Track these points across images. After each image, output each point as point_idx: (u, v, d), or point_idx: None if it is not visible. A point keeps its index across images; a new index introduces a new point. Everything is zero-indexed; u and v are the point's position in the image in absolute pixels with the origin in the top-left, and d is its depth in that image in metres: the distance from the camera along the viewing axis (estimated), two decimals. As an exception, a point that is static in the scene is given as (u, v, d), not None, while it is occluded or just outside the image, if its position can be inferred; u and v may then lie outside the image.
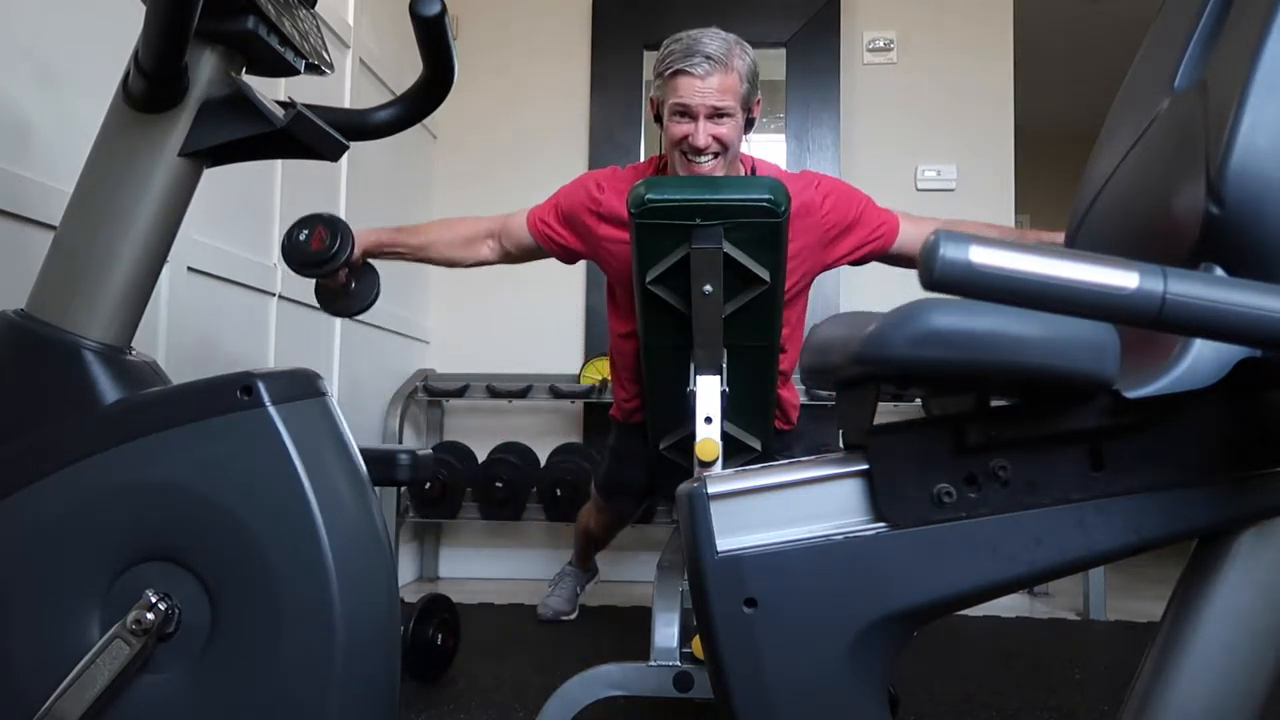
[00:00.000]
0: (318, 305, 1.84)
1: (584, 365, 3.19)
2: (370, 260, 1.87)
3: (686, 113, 1.77)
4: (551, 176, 3.36)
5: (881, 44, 3.33)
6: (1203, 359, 0.76)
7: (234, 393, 0.94)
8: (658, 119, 1.86)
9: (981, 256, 0.56)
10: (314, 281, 1.80)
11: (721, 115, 1.76)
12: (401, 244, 1.97)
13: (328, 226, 1.69)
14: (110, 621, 0.92)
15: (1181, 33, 0.94)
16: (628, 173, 1.95)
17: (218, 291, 2.02)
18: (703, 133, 1.76)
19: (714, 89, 1.74)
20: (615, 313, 2.02)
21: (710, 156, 1.79)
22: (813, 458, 0.86)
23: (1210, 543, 0.81)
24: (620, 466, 2.20)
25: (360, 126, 1.22)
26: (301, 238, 1.69)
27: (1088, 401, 0.78)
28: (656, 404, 1.82)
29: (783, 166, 3.24)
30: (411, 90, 1.20)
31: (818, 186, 1.90)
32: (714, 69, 1.74)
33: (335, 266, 1.71)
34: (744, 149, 1.91)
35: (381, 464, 1.49)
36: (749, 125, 1.85)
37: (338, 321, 2.59)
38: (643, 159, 3.29)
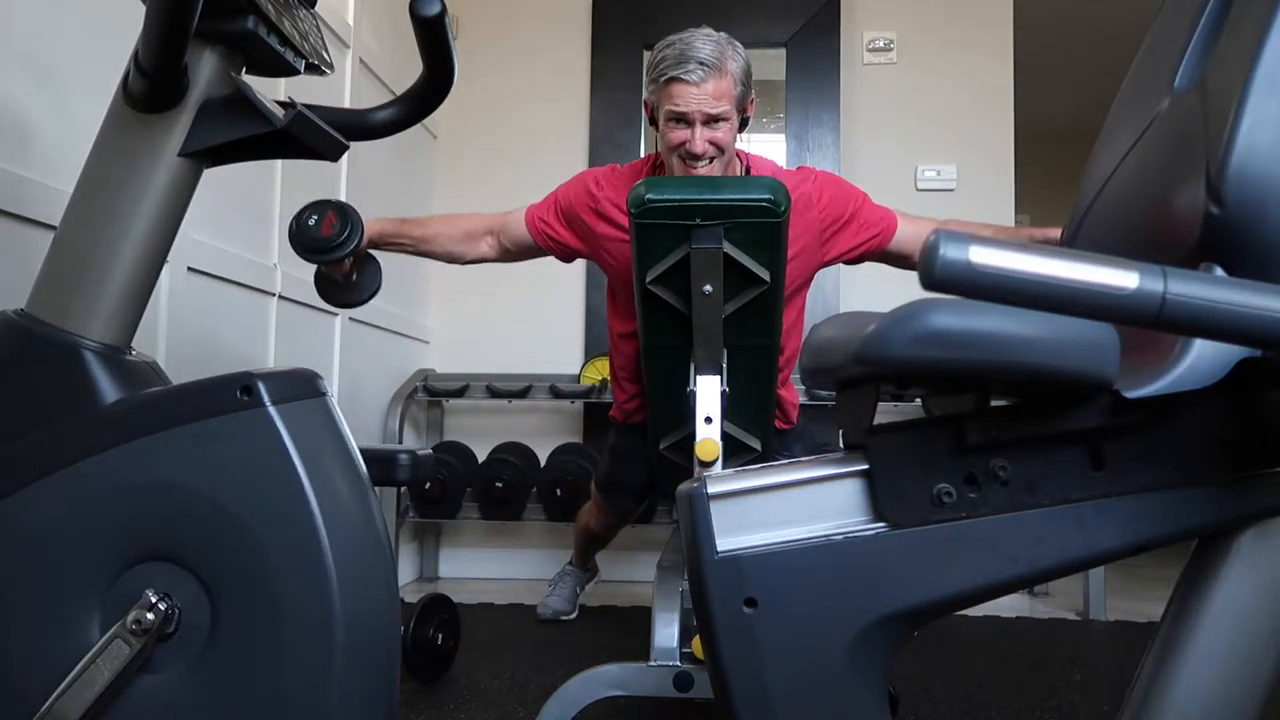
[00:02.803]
0: (318, 294, 1.80)
1: (584, 365, 3.19)
2: (372, 251, 1.84)
3: (682, 119, 1.77)
4: (551, 176, 3.36)
5: (881, 44, 3.33)
6: (1203, 359, 0.76)
7: (234, 393, 0.94)
8: (653, 122, 1.86)
9: (981, 256, 0.56)
10: (314, 270, 1.76)
11: (717, 120, 1.76)
12: (405, 235, 1.97)
13: (338, 212, 1.66)
14: (110, 621, 0.92)
15: (1181, 33, 0.94)
16: (626, 171, 1.95)
17: (218, 291, 2.02)
18: (699, 139, 1.76)
19: (709, 95, 1.74)
20: (615, 313, 2.02)
21: (707, 161, 1.79)
22: (813, 458, 0.86)
23: (1210, 543, 0.81)
24: (620, 466, 2.20)
25: (360, 126, 1.22)
26: (311, 222, 1.65)
27: (1088, 401, 0.78)
28: (656, 404, 1.82)
29: (782, 166, 3.26)
30: (411, 90, 1.20)
31: (814, 181, 1.90)
32: (708, 75, 1.73)
33: (344, 254, 1.66)
34: (740, 144, 1.91)
35: (381, 464, 1.49)
36: (744, 124, 1.85)
37: (337, 321, 2.59)
38: (643, 154, 3.29)
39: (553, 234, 1.96)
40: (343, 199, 2.62)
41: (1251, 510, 0.79)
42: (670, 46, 1.77)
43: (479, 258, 2.04)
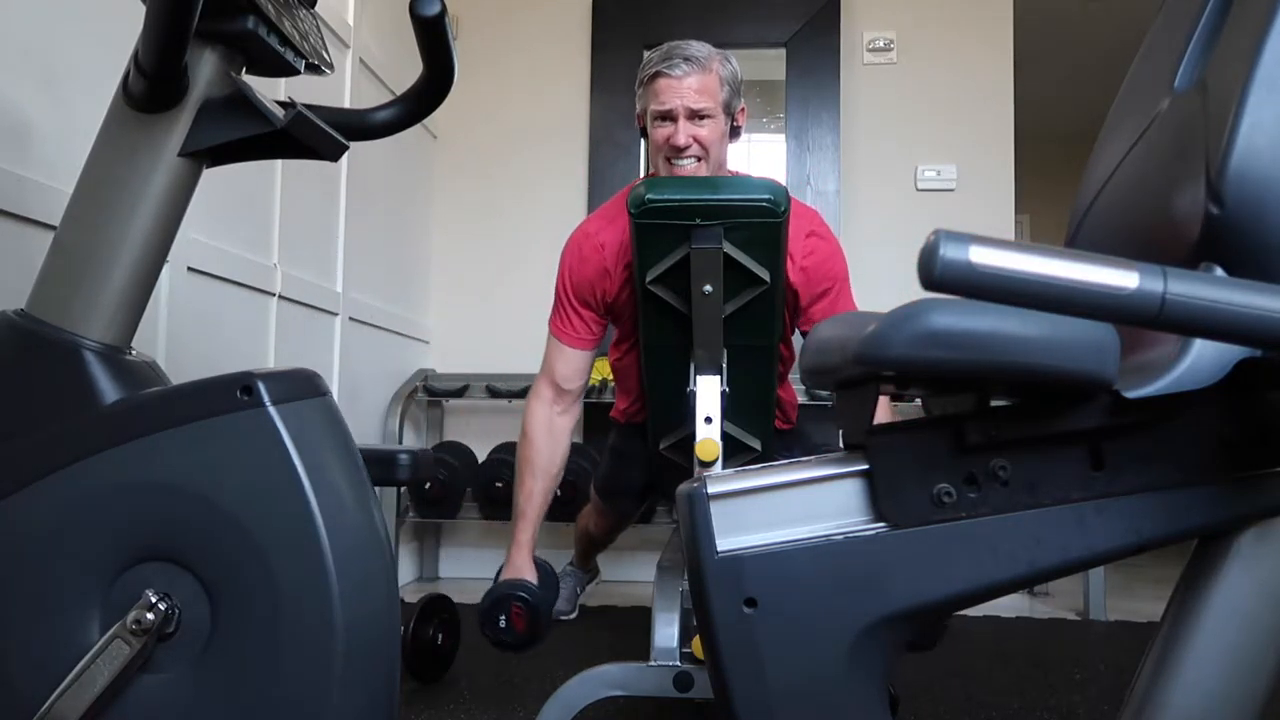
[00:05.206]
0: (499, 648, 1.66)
1: (584, 365, 3.19)
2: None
3: (667, 116, 1.77)
4: (551, 176, 3.40)
5: (881, 44, 3.33)
6: (1203, 359, 0.76)
7: (234, 393, 0.94)
8: (644, 132, 1.86)
9: (981, 256, 0.56)
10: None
11: (701, 116, 1.76)
12: (536, 516, 1.89)
13: (523, 604, 1.59)
14: (110, 622, 0.92)
15: (1181, 33, 0.94)
16: (613, 204, 1.93)
17: (218, 291, 2.02)
18: (683, 132, 1.76)
19: (692, 89, 1.75)
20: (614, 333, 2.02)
21: (692, 158, 1.78)
22: (813, 458, 0.86)
23: (1210, 543, 0.81)
24: (620, 467, 2.20)
25: (360, 126, 1.22)
26: (503, 624, 1.59)
27: (1088, 401, 0.78)
28: (656, 404, 1.82)
29: (782, 166, 3.26)
30: (411, 90, 1.20)
31: (808, 236, 1.84)
32: (692, 69, 1.75)
33: (546, 640, 1.59)
34: (735, 160, 1.90)
35: (381, 464, 1.49)
36: (735, 134, 1.85)
37: (337, 321, 2.59)
38: (642, 158, 3.29)
39: (588, 328, 1.92)
40: (343, 195, 2.62)
41: (1251, 510, 0.79)
42: (657, 50, 1.80)
43: (571, 424, 1.96)
